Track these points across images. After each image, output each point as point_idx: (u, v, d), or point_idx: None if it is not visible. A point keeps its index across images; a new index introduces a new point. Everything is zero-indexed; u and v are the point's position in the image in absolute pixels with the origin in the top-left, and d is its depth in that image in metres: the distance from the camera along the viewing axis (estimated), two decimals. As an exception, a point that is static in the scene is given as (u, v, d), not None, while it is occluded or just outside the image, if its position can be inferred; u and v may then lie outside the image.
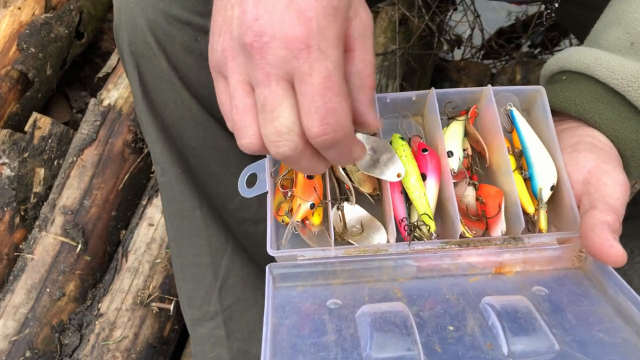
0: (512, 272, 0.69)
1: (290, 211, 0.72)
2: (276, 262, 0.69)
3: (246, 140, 0.55)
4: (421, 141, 0.78)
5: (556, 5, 0.85)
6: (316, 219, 0.72)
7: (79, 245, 1.34)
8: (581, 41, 0.86)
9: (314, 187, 0.71)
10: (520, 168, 0.76)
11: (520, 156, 0.77)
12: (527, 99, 0.80)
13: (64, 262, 1.33)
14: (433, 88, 0.77)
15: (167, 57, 0.77)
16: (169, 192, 0.86)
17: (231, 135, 0.57)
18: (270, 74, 0.48)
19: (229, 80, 0.52)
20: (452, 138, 0.77)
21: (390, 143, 0.76)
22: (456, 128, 0.78)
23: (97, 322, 1.30)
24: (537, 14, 1.63)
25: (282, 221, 0.74)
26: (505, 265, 0.69)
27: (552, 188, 0.73)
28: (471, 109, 0.80)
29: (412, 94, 0.79)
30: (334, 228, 0.71)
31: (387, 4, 1.59)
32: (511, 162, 0.73)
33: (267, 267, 0.67)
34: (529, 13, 1.81)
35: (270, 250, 0.68)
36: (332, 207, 0.73)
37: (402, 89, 1.49)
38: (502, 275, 0.69)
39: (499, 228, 0.71)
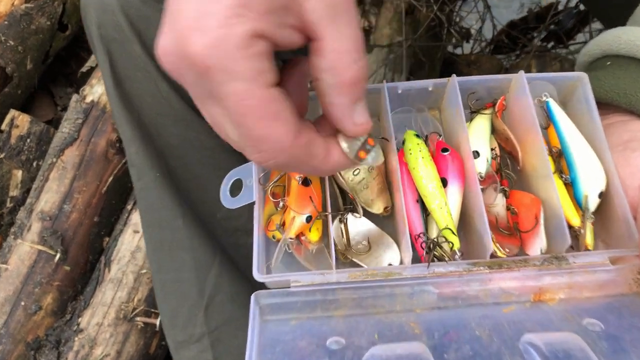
0: (555, 299, 0.57)
1: (283, 225, 0.60)
2: (265, 288, 0.56)
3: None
4: (440, 139, 0.65)
5: None
6: (314, 235, 0.60)
7: (58, 254, 1.24)
8: (607, 27, 0.74)
9: (311, 197, 0.58)
10: (559, 171, 0.63)
11: (559, 156, 0.64)
12: (564, 89, 0.68)
13: (41, 273, 1.24)
14: (454, 75, 0.65)
15: (142, 41, 0.70)
16: (147, 198, 0.79)
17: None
18: (197, 96, 0.43)
19: None
20: (478, 135, 0.64)
21: (403, 142, 0.63)
22: (481, 123, 0.66)
23: (76, 339, 1.20)
24: (554, 5, 1.51)
25: (273, 237, 0.61)
26: (547, 292, 0.57)
27: (601, 195, 0.60)
28: (498, 101, 0.67)
29: (429, 83, 0.66)
30: (335, 246, 0.58)
31: (393, -7, 1.48)
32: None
33: (252, 296, 0.54)
34: (542, 4, 1.68)
35: (257, 275, 0.56)
36: (333, 220, 0.61)
37: None
38: (543, 304, 0.56)
39: (537, 245, 0.58)
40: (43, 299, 1.24)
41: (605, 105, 0.65)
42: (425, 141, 0.64)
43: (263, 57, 0.41)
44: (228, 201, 0.62)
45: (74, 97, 1.42)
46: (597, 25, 1.48)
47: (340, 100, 0.44)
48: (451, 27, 1.56)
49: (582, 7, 1.43)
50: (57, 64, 1.74)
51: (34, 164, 1.39)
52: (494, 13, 1.54)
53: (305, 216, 0.59)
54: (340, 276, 0.56)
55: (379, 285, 0.56)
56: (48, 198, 1.29)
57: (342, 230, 0.62)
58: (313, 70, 0.44)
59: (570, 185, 0.62)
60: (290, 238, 0.59)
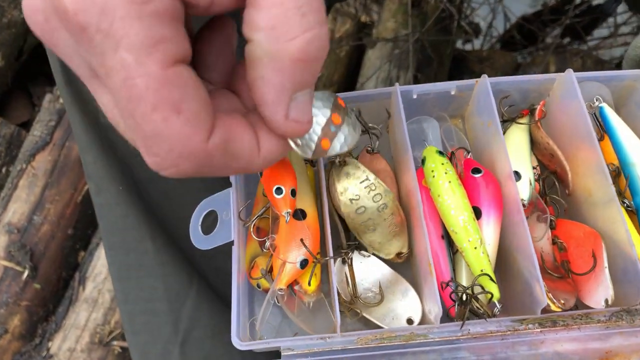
0: None
1: (270, 272, 0.46)
2: (250, 354, 0.43)
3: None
4: (469, 157, 0.52)
5: None
6: (311, 284, 0.46)
7: (26, 271, 1.16)
8: None
9: (302, 239, 0.45)
10: (620, 195, 0.49)
11: (617, 176, 0.51)
12: (618, 91, 0.55)
13: (7, 292, 1.16)
14: (485, 76, 0.51)
15: None
16: (108, 217, 0.70)
17: None
18: (79, 72, 0.33)
19: None
20: (516, 151, 0.51)
21: (423, 161, 0.50)
22: (519, 136, 0.53)
23: (46, 365, 1.13)
24: None
25: (258, 286, 0.48)
26: (616, 356, 0.44)
27: (675, 226, 0.47)
28: (538, 107, 0.54)
29: (451, 86, 0.53)
30: (338, 296, 0.45)
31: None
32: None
33: None
34: None
35: (236, 341, 0.42)
36: (335, 261, 0.47)
37: (415, 81, 1.24)
38: (614, 374, 0.43)
39: (601, 294, 0.45)
40: (9, 321, 1.15)
41: None
42: (451, 160, 0.51)
43: (164, 19, 0.29)
44: (200, 240, 0.48)
45: (47, 96, 1.33)
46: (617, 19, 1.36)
47: (276, 78, 0.31)
48: (461, 19, 1.44)
49: None
50: (36, 61, 1.64)
51: (3, 169, 1.29)
52: (506, 5, 1.42)
53: (299, 260, 0.45)
54: (347, 340, 0.43)
55: (398, 353, 0.42)
56: (16, 208, 1.21)
57: (346, 275, 0.48)
58: (245, 28, 0.31)
59: (635, 214, 0.49)
60: (280, 289, 0.45)
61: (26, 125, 1.37)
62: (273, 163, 0.34)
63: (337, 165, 0.49)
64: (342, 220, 0.50)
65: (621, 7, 1.22)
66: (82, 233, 1.27)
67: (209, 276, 0.73)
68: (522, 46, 1.47)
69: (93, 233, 1.27)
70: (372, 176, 0.49)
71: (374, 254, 0.50)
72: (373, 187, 0.49)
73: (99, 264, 1.20)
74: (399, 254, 0.49)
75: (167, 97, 0.29)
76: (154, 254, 0.70)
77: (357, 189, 0.49)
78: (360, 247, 0.51)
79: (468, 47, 1.44)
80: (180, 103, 0.29)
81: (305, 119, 0.33)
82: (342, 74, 1.38)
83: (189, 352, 0.72)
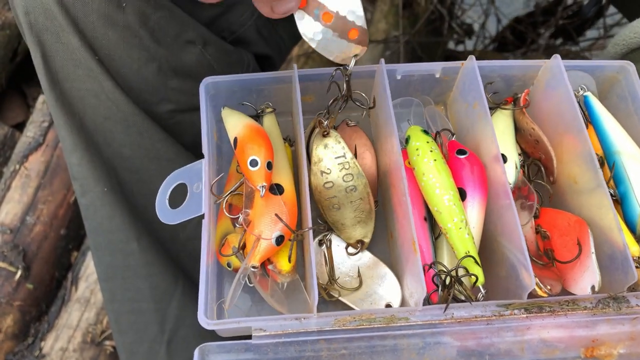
0: (614, 355, 0.43)
1: (242, 248, 0.43)
2: (215, 339, 0.40)
3: None
4: (452, 139, 0.50)
5: None
6: (285, 263, 0.43)
7: (19, 271, 1.15)
8: (630, 19, 0.63)
9: (280, 212, 0.42)
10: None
11: (602, 165, 0.50)
12: (600, 83, 0.55)
13: (0, 292, 1.15)
14: (472, 57, 0.50)
15: (79, 31, 0.62)
16: (94, 218, 0.70)
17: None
18: None
19: None
20: (501, 136, 0.50)
21: (407, 140, 0.48)
22: (503, 121, 0.52)
23: (38, 366, 1.12)
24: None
25: (228, 265, 0.45)
26: (602, 345, 0.43)
27: (660, 216, 0.46)
28: (522, 95, 0.53)
29: (437, 67, 0.52)
30: (317, 278, 0.42)
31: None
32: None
33: (196, 352, 0.37)
34: None
35: (202, 319, 0.39)
36: (313, 239, 0.45)
37: None
38: (600, 363, 0.41)
39: (588, 281, 0.44)
40: (2, 321, 1.14)
41: None
42: (435, 140, 0.49)
43: None
44: (166, 214, 0.45)
45: (40, 97, 1.32)
46: (608, 20, 1.38)
47: None
48: (452, 21, 1.45)
49: None
50: (31, 62, 1.63)
51: (-4, 171, 1.28)
52: (498, 6, 1.43)
53: (275, 235, 0.42)
54: (324, 322, 0.41)
55: (378, 336, 0.40)
56: (9, 209, 1.20)
57: (325, 256, 0.45)
58: None
59: (619, 203, 0.48)
60: (253, 267, 0.42)
61: (21, 126, 1.37)
62: None
63: (318, 133, 0.47)
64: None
65: (612, 8, 1.23)
66: (75, 233, 1.27)
67: (194, 276, 0.74)
68: (515, 47, 1.48)
69: (86, 233, 1.28)
70: (349, 155, 0.48)
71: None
72: (347, 167, 0.47)
73: (92, 264, 1.18)
74: (359, 242, 0.47)
75: None
76: (139, 255, 0.71)
77: (330, 162, 0.48)
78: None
79: (460, 47, 1.45)
80: None
81: None
82: (334, 74, 1.38)
83: (175, 351, 0.74)
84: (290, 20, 0.86)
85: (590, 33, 1.42)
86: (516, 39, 1.41)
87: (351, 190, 0.48)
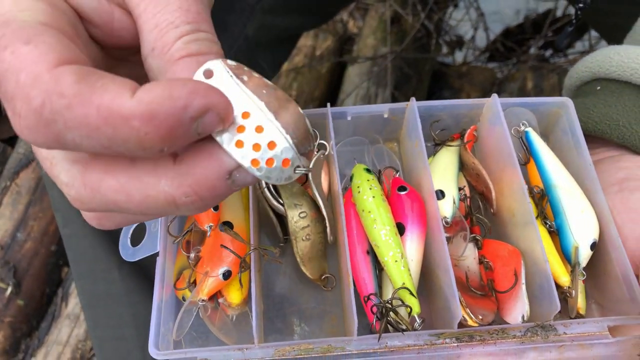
0: None
1: (194, 283, 0.46)
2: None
3: None
4: (397, 176, 0.53)
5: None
6: (235, 296, 0.46)
7: (9, 288, 1.16)
8: (610, 42, 0.64)
9: (223, 244, 0.45)
10: (542, 216, 0.51)
11: (542, 198, 0.52)
12: (546, 118, 0.57)
13: None
14: (413, 99, 0.53)
15: None
16: (76, 248, 0.71)
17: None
18: None
19: None
20: (443, 172, 0.53)
21: (352, 178, 0.51)
22: (447, 157, 0.54)
23: (28, 382, 1.11)
24: (552, 11, 1.41)
25: (183, 298, 0.48)
26: None
27: (593, 246, 0.49)
28: (468, 131, 0.56)
29: (384, 108, 0.55)
30: (258, 310, 0.45)
31: (377, 0, 1.38)
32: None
33: None
34: (539, 10, 1.60)
35: (152, 350, 0.42)
36: (261, 259, 0.48)
37: (393, 99, 1.24)
38: (527, 389, 0.43)
39: (519, 310, 0.46)
40: None
41: (592, 139, 0.55)
42: (379, 177, 0.52)
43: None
44: (127, 252, 0.48)
45: None
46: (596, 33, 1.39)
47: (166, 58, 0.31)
48: (440, 37, 1.47)
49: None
50: None
51: (-12, 187, 1.28)
52: (487, 18, 1.44)
53: (222, 270, 0.45)
54: (265, 352, 0.43)
55: (314, 365, 0.42)
56: (0, 225, 1.22)
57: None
58: (142, 57, 0.32)
59: (556, 234, 0.50)
60: (203, 300, 0.45)
61: (12, 141, 1.36)
62: (157, 113, 0.26)
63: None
64: (278, 215, 0.50)
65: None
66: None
67: (180, 302, 0.74)
68: (506, 58, 1.50)
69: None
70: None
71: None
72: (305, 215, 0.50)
73: (81, 281, 1.21)
74: (321, 276, 0.50)
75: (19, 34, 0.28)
76: (120, 283, 0.71)
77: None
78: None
79: (450, 60, 1.46)
80: (32, 36, 0.28)
81: None
82: (323, 90, 1.37)
83: None
84: (270, 51, 0.87)
85: (581, 44, 1.43)
86: (507, 51, 1.42)
87: (316, 222, 0.51)
